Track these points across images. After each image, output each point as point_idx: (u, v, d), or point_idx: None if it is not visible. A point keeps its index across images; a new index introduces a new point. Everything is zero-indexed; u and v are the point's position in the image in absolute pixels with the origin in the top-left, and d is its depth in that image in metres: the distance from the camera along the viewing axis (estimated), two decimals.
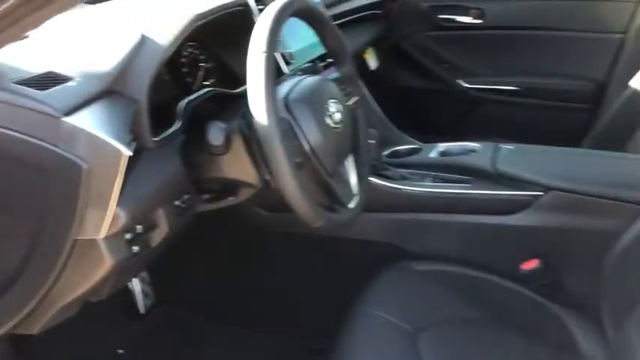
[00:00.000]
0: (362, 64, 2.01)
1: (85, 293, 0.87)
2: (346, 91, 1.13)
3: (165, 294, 1.61)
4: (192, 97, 1.09)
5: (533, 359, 1.14)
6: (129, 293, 1.53)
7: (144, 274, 1.57)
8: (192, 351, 1.57)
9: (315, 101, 0.99)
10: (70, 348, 1.35)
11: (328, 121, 0.99)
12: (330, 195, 1.03)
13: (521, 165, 1.33)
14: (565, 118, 2.06)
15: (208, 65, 1.25)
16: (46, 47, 0.94)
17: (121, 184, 0.77)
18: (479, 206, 1.33)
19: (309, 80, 1.04)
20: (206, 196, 1.07)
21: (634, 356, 1.01)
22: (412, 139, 1.64)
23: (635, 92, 1.68)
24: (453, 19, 2.11)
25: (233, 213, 1.17)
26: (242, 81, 1.25)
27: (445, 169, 1.39)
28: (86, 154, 0.74)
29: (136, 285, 1.53)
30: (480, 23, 2.08)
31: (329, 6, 1.69)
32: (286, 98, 0.99)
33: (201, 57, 1.23)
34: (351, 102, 1.13)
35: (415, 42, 2.18)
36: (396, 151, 1.52)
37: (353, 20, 1.83)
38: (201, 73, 1.22)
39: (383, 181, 1.36)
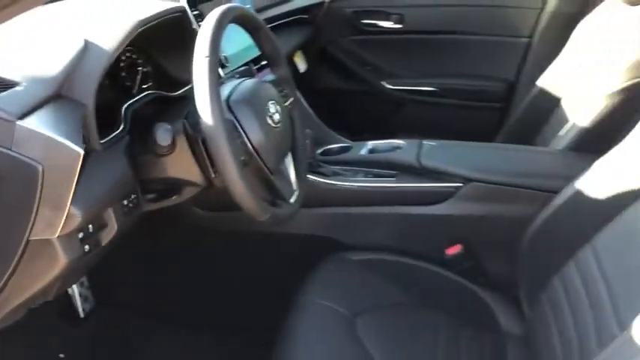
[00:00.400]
0: (291, 66, 2.08)
1: (36, 294, 0.89)
2: (282, 92, 1.20)
3: (105, 297, 1.61)
4: (133, 100, 1.12)
5: (459, 338, 1.25)
6: (68, 297, 1.52)
7: (82, 277, 1.57)
8: (134, 353, 1.58)
9: (255, 102, 1.05)
10: (11, 354, 1.34)
11: (269, 121, 1.06)
12: (272, 191, 1.09)
13: (443, 159, 1.45)
14: (479, 116, 2.22)
15: (146, 69, 1.28)
16: None
17: (74, 183, 0.80)
18: (406, 198, 1.43)
19: (249, 82, 1.10)
20: (151, 196, 1.10)
21: (547, 328, 1.14)
22: (342, 138, 1.73)
23: (541, 91, 1.85)
24: (375, 24, 2.23)
25: (171, 213, 1.20)
26: (180, 84, 1.29)
27: (374, 165, 1.49)
28: (41, 155, 0.77)
29: (74, 289, 1.53)
30: (400, 28, 2.21)
31: (259, 10, 1.75)
32: (228, 100, 1.04)
33: (139, 61, 1.25)
34: (287, 103, 1.20)
35: (340, 46, 2.28)
36: (329, 149, 1.60)
37: (282, 25, 1.90)
38: (139, 77, 1.24)
39: (318, 177, 1.44)
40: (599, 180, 1.15)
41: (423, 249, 1.42)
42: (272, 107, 1.08)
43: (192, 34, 1.28)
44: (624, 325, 0.88)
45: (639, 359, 0.78)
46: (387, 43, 2.26)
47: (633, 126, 1.26)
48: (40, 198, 0.79)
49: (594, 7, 1.79)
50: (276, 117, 1.08)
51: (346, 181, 1.44)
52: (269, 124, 1.06)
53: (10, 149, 0.77)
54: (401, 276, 1.38)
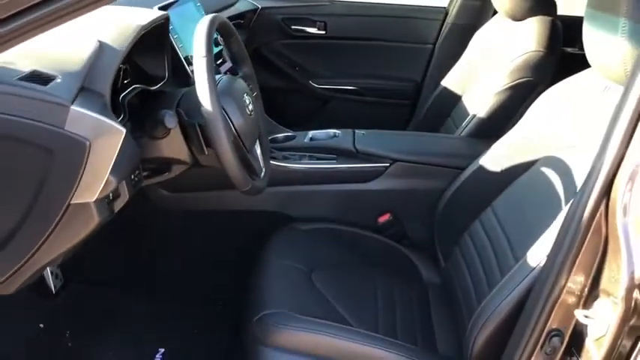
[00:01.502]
0: None
1: (69, 249, 1.07)
2: (249, 87, 1.44)
3: (74, 274, 1.76)
4: (125, 92, 1.32)
5: (392, 289, 1.53)
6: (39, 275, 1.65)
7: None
8: (107, 320, 1.73)
9: (236, 95, 1.29)
10: None
11: (246, 110, 1.30)
12: (248, 167, 1.33)
13: (374, 144, 1.75)
14: (393, 111, 2.57)
15: (124, 66, 1.47)
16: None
17: (115, 156, 1.00)
18: (345, 177, 1.72)
19: (227, 79, 1.34)
20: (146, 173, 1.30)
21: (461, 274, 1.44)
22: (285, 129, 1.99)
23: (444, 90, 2.21)
24: (303, 29, 2.52)
25: (137, 194, 1.34)
26: (155, 79, 1.50)
27: (317, 150, 1.77)
28: (90, 133, 0.97)
29: None
30: (323, 34, 2.52)
31: None
32: None
33: None
34: (254, 95, 1.44)
35: (272, 48, 2.55)
36: (275, 138, 1.85)
37: None
38: (121, 74, 1.43)
39: (271, 161, 1.69)
40: (496, 158, 1.48)
41: (359, 218, 1.72)
42: (247, 99, 1.33)
43: (167, 38, 1.50)
44: (518, 258, 1.18)
45: (527, 277, 1.08)
46: (313, 47, 2.56)
47: (518, 116, 1.62)
48: (84, 167, 0.98)
49: (487, 21, 2.17)
50: (250, 107, 1.33)
51: (294, 164, 1.70)
52: (246, 113, 1.30)
53: (62, 129, 0.96)
54: (342, 241, 1.66)
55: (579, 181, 1.17)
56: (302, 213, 1.71)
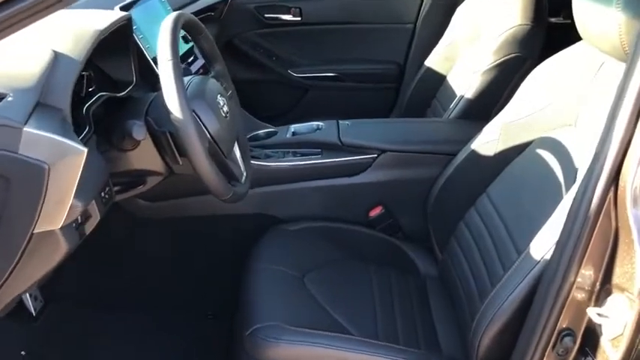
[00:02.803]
0: None
1: (42, 277, 0.99)
2: (223, 86, 1.35)
3: (54, 294, 1.67)
4: (90, 102, 1.22)
5: (389, 286, 1.47)
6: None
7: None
8: (89, 341, 1.65)
9: (208, 97, 1.20)
10: None
11: (221, 112, 1.21)
12: (227, 173, 1.25)
13: (360, 135, 1.67)
14: (376, 96, 2.48)
15: (87, 73, 1.37)
16: None
17: (78, 178, 0.91)
18: (331, 172, 1.64)
19: (198, 80, 1.25)
20: (117, 188, 1.22)
21: (459, 265, 1.38)
22: (265, 124, 1.90)
23: (427, 70, 2.13)
24: (277, 17, 2.41)
25: (113, 208, 1.26)
26: (122, 85, 1.40)
27: (300, 145, 1.68)
28: (47, 156, 0.87)
29: None
30: (299, 20, 2.41)
31: (175, 10, 1.86)
32: None
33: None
34: (228, 95, 1.35)
35: (246, 39, 2.44)
36: (256, 135, 1.77)
37: None
38: (84, 81, 1.34)
39: (252, 160, 1.60)
40: (488, 141, 1.41)
41: (349, 214, 1.64)
42: (221, 100, 1.24)
43: (132, 40, 1.40)
44: (520, 251, 1.12)
45: (532, 271, 1.02)
46: (289, 35, 2.45)
47: (508, 95, 1.54)
48: (45, 194, 0.89)
49: None
50: (225, 108, 1.24)
51: (277, 162, 1.62)
52: (221, 115, 1.21)
53: (16, 153, 0.87)
54: (333, 238, 1.59)
55: (579, 162, 1.11)
56: (289, 213, 1.63)
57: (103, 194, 1.11)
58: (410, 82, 2.27)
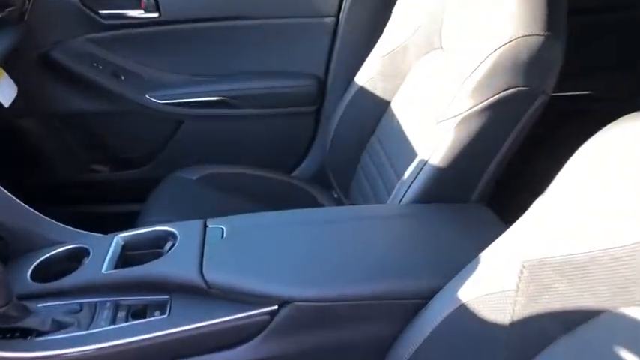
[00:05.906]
0: None
1: None
2: None
3: None
4: None
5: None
6: None
7: None
8: None
9: None
10: None
11: None
12: None
13: (242, 264, 0.86)
14: (285, 127, 1.66)
15: None
16: None
17: None
18: (188, 347, 0.83)
19: None
20: None
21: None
22: (68, 227, 1.02)
23: (360, 92, 1.35)
24: (120, 14, 1.52)
25: None
26: None
27: (127, 290, 0.86)
28: None
29: None
30: (156, 17, 1.53)
31: None
32: None
33: None
34: None
35: (72, 50, 1.52)
36: (47, 260, 0.92)
37: None
38: None
39: (19, 342, 0.77)
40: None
41: None
42: None
43: None
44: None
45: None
46: (142, 41, 1.56)
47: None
48: None
49: None
50: None
51: (77, 341, 0.79)
52: None
53: None
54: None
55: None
56: None
57: None
58: (333, 104, 1.49)
